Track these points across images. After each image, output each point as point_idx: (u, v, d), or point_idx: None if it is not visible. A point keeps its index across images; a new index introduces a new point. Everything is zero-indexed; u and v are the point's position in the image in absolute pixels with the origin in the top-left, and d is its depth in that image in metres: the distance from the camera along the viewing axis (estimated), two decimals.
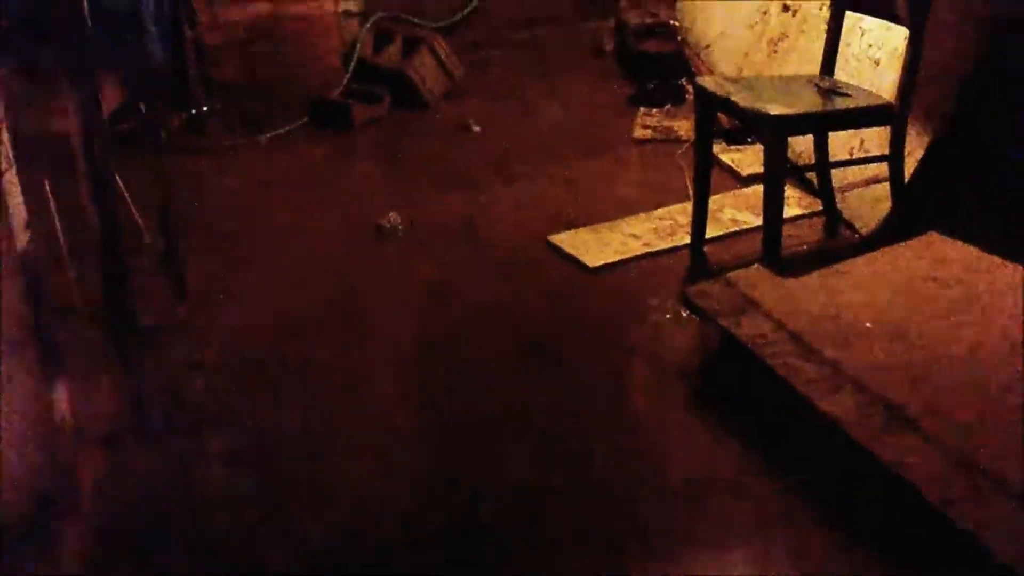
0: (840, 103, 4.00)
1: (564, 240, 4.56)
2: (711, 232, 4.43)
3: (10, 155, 2.85)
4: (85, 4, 3.14)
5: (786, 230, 4.06)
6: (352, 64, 6.52)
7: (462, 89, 6.56)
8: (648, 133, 5.77)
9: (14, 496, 2.82)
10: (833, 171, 4.45)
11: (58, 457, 3.03)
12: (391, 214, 4.80)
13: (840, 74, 4.33)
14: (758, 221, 4.33)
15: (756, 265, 3.83)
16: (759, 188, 4.29)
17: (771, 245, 3.95)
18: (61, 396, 3.09)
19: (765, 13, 5.71)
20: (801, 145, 4.76)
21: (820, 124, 4.18)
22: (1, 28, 2.94)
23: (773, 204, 3.93)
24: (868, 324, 3.37)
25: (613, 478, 3.18)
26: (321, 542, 2.98)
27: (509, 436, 3.39)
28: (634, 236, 4.57)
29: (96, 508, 3.12)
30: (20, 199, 2.93)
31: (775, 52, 5.47)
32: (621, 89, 6.40)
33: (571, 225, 4.70)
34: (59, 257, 4.00)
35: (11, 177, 2.86)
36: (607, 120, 6.01)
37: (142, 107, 4.58)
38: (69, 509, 3.03)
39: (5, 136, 2.83)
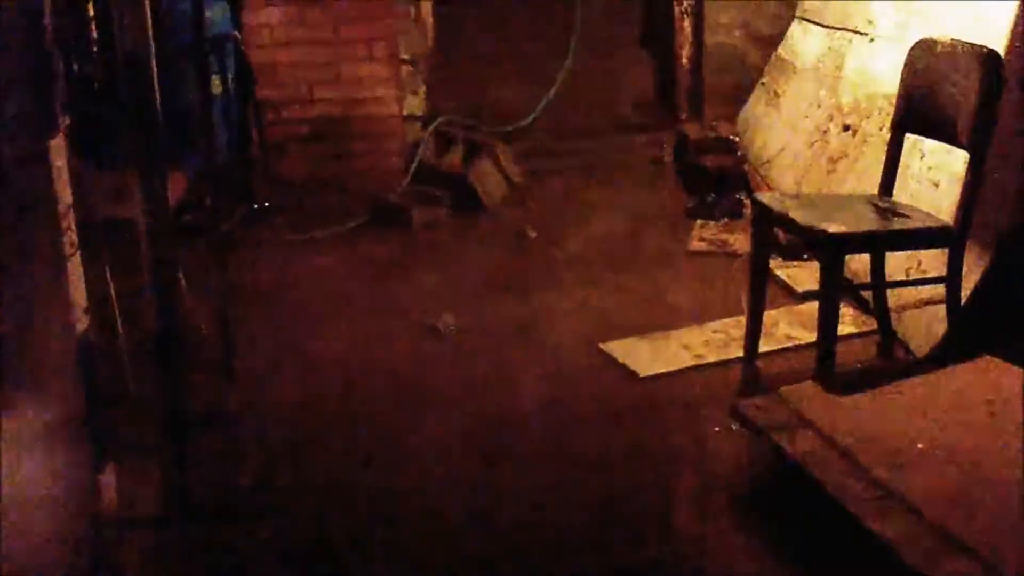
0: (898, 224, 4.00)
1: (616, 348, 4.56)
2: (764, 347, 4.41)
3: (75, 241, 2.89)
4: (158, 102, 3.21)
5: (840, 348, 4.03)
6: (413, 166, 6.60)
7: (521, 195, 6.62)
8: (704, 245, 5.78)
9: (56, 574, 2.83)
10: (889, 291, 4.43)
11: (102, 542, 3.03)
12: (445, 315, 4.82)
13: (899, 195, 4.33)
14: (812, 338, 4.31)
15: (809, 382, 3.80)
16: (814, 305, 4.27)
17: (825, 362, 3.92)
18: (109, 482, 3.11)
19: (825, 132, 5.73)
20: (857, 263, 4.75)
21: (877, 244, 4.17)
22: (72, 121, 3.00)
23: (828, 322, 3.91)
24: (921, 446, 3.33)
25: None
26: None
27: (553, 541, 3.37)
28: (687, 347, 4.57)
29: None
30: (82, 285, 2.97)
31: (834, 171, 5.48)
32: (679, 201, 6.42)
33: (624, 333, 4.69)
34: (115, 343, 4.05)
35: (75, 263, 2.91)
36: (664, 231, 6.03)
37: (206, 199, 4.65)
38: None
39: (72, 222, 2.87)
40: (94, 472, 2.99)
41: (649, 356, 4.49)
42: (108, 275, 4.05)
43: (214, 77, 5.01)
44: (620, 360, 4.46)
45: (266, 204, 6.14)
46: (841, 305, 3.99)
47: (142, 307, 3.42)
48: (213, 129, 4.27)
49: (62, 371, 2.84)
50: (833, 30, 6.10)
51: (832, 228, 3.83)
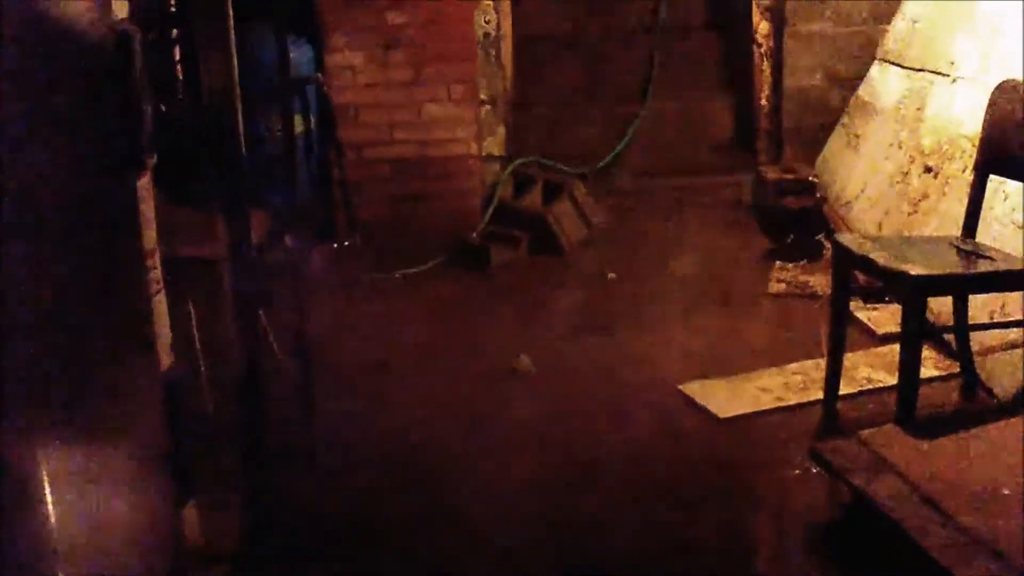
0: (982, 266, 3.96)
1: (695, 390, 4.55)
2: (844, 389, 4.37)
3: (160, 278, 2.94)
4: (242, 142, 3.26)
5: (922, 391, 3.99)
6: (492, 207, 6.63)
7: (599, 236, 6.62)
8: (783, 287, 5.75)
9: None
10: (972, 334, 4.38)
11: (185, 573, 3.06)
12: (522, 356, 4.83)
13: (982, 237, 4.29)
14: (893, 380, 4.26)
15: (890, 425, 3.77)
16: (895, 347, 4.23)
17: (906, 405, 3.88)
18: (191, 517, 3.14)
19: (907, 173, 5.69)
20: (939, 305, 4.70)
21: (960, 286, 4.13)
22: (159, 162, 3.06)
23: (910, 364, 3.88)
24: (1006, 491, 3.28)
25: None
26: None
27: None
28: (765, 389, 4.54)
29: None
30: (167, 322, 3.01)
31: (915, 212, 5.44)
32: (758, 242, 6.39)
33: (703, 375, 4.68)
34: (199, 381, 4.10)
35: (160, 300, 2.95)
36: (742, 272, 6.01)
37: (287, 238, 4.71)
38: None
39: (157, 261, 2.92)
40: (178, 507, 3.02)
41: (728, 398, 4.48)
42: (191, 312, 4.11)
43: (297, 117, 5.07)
44: (699, 401, 4.45)
45: (346, 243, 6.19)
46: (923, 348, 3.95)
47: (224, 344, 3.46)
48: (295, 169, 4.32)
49: (148, 407, 2.88)
50: (914, 71, 6.06)
51: (914, 270, 3.80)
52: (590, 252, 6.44)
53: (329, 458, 4.09)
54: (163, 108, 4.22)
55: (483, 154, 6.73)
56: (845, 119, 6.79)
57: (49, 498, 2.66)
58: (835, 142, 6.83)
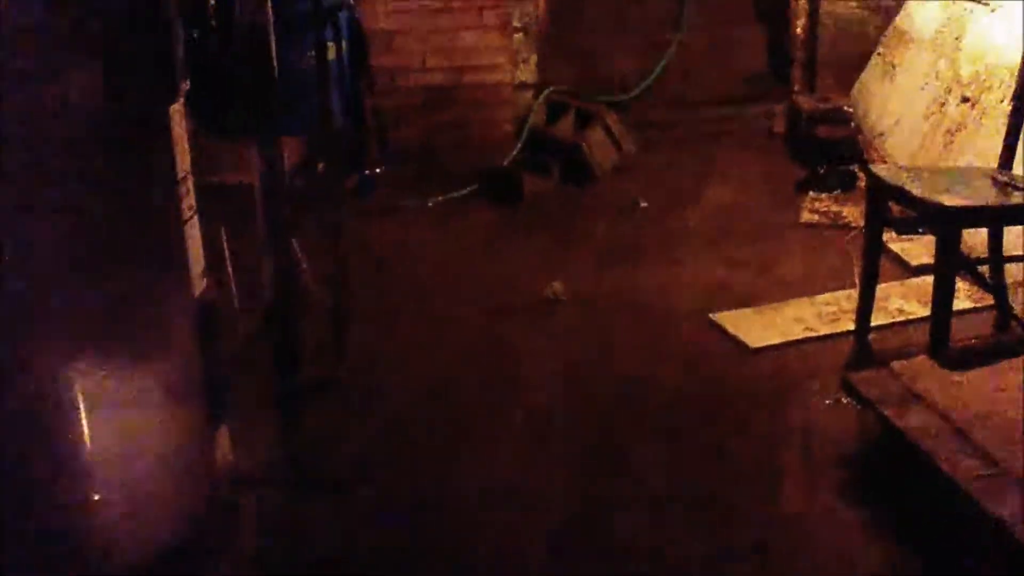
0: (1017, 198, 3.92)
1: (727, 319, 4.54)
2: (876, 320, 4.36)
3: (193, 205, 2.95)
4: (275, 69, 3.25)
5: (954, 323, 3.97)
6: (524, 135, 6.61)
7: (631, 165, 6.59)
8: (816, 218, 5.72)
9: (174, 530, 2.89)
10: (1006, 266, 4.35)
11: (218, 496, 3.10)
12: (555, 284, 4.83)
13: (1019, 169, 4.25)
14: (925, 312, 4.25)
15: (922, 356, 3.75)
16: (928, 279, 4.21)
17: (938, 337, 3.87)
18: (224, 438, 3.17)
19: (943, 104, 5.64)
20: (974, 237, 4.67)
21: (996, 218, 4.10)
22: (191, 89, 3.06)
23: (943, 296, 3.86)
24: None
25: (760, 563, 3.15)
26: None
27: (657, 515, 3.38)
28: (797, 320, 4.53)
29: (248, 550, 3.19)
30: (200, 248, 3.03)
31: (951, 143, 5.39)
32: (790, 173, 6.35)
33: (735, 305, 4.68)
34: (231, 307, 4.12)
35: (193, 226, 2.96)
36: (775, 203, 5.98)
37: (319, 166, 4.70)
38: (226, 546, 3.10)
39: (190, 187, 2.93)
40: (209, 431, 3.06)
41: (759, 328, 4.47)
42: (224, 239, 4.13)
43: (329, 44, 5.03)
44: (730, 331, 4.45)
45: (378, 171, 6.18)
46: (956, 279, 3.93)
47: (257, 271, 3.47)
48: (328, 96, 4.31)
49: (180, 332, 2.90)
50: (952, 0, 5.98)
51: (949, 201, 3.78)
52: (622, 180, 6.41)
53: (359, 385, 4.11)
54: (195, 35, 4.22)
55: (516, 82, 6.69)
56: (881, 48, 6.72)
57: (84, 421, 2.69)
58: (871, 71, 6.76)
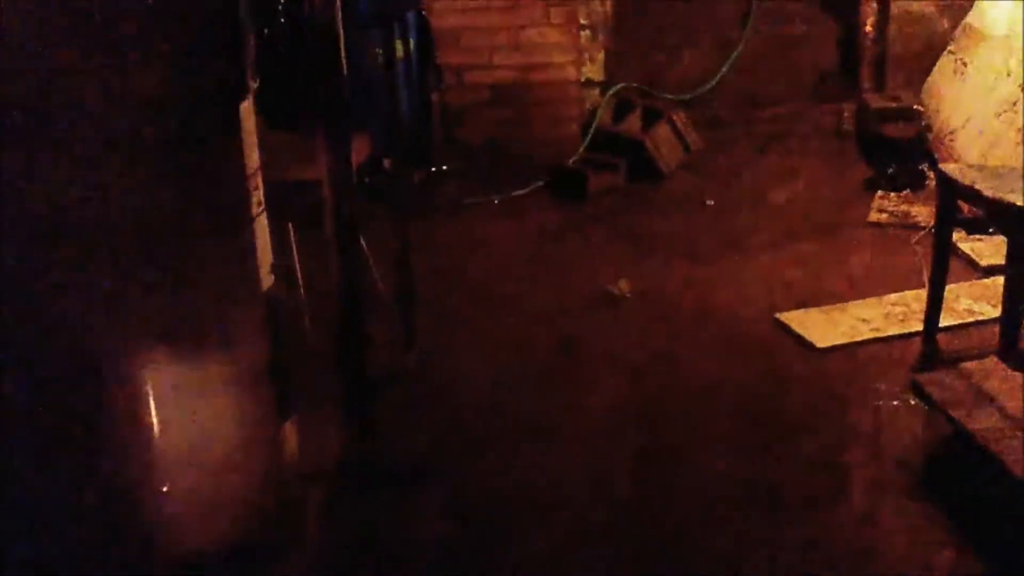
0: None
1: (793, 319, 4.52)
2: (945, 321, 4.32)
3: (262, 201, 2.97)
4: (344, 67, 3.27)
5: None
6: (590, 132, 6.60)
7: (699, 163, 6.56)
8: (884, 217, 5.68)
9: (243, 524, 2.92)
10: None
11: (285, 489, 3.12)
12: (621, 282, 4.83)
13: None
14: (995, 313, 4.21)
15: (992, 357, 3.72)
16: (998, 280, 4.18)
17: (1009, 338, 3.84)
18: (291, 432, 3.19)
19: (1015, 103, 5.57)
20: None
21: None
22: (261, 87, 3.08)
23: (1013, 296, 3.82)
24: None
25: (828, 563, 3.13)
26: None
27: (722, 510, 3.37)
28: (865, 320, 4.51)
29: (316, 545, 3.21)
30: (268, 244, 3.05)
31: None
32: (859, 172, 6.30)
33: (800, 304, 4.65)
34: (299, 301, 4.15)
35: (261, 222, 2.99)
36: (842, 202, 5.93)
37: (387, 162, 4.72)
38: (292, 539, 3.12)
39: (259, 183, 2.95)
40: (277, 424, 3.08)
41: (826, 327, 4.45)
42: (293, 235, 4.16)
43: (397, 41, 5.06)
44: (796, 331, 4.43)
45: (445, 168, 6.21)
46: None
47: (325, 267, 3.50)
48: (396, 93, 4.33)
49: (249, 326, 2.93)
50: None
51: (1021, 201, 3.74)
52: (689, 179, 6.39)
53: (427, 380, 4.14)
54: (265, 32, 4.25)
55: (582, 79, 6.69)
56: (952, 46, 6.65)
57: (154, 413, 2.73)
58: (941, 70, 6.69)
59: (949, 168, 4.24)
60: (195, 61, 2.65)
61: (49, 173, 2.56)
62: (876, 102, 6.59)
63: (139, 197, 2.62)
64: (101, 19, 2.48)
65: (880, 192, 5.98)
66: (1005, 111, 5.64)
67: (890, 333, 4.40)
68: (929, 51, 6.82)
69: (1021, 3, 5.88)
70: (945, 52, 6.71)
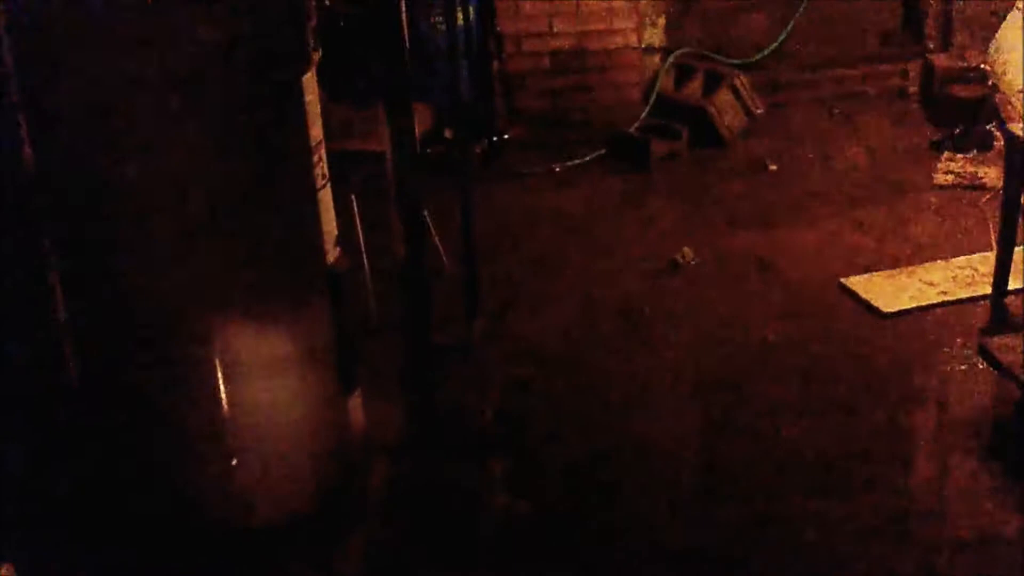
0: None
1: (859, 284, 4.49)
2: (1014, 284, 4.27)
3: (326, 173, 2.99)
4: (406, 38, 3.27)
5: None
6: (652, 99, 6.57)
7: (761, 127, 6.51)
8: (951, 179, 5.61)
9: (309, 494, 2.96)
10: None
11: (350, 462, 3.15)
12: (685, 249, 4.82)
13: None
14: None
15: None
16: None
17: None
18: (356, 405, 3.22)
19: None
20: None
21: None
22: (323, 59, 3.09)
23: None
24: None
25: (898, 522, 3.13)
26: (591, 567, 3.02)
27: (791, 480, 3.36)
28: (931, 283, 4.46)
29: (380, 516, 3.24)
30: (332, 216, 3.07)
31: None
32: (925, 133, 6.23)
33: (866, 269, 4.61)
34: (363, 272, 4.17)
35: (325, 194, 3.01)
36: (908, 164, 5.87)
37: (449, 133, 4.73)
38: (357, 512, 3.15)
39: (323, 155, 2.97)
40: (343, 397, 3.10)
41: (893, 292, 4.41)
42: (356, 207, 4.18)
43: (458, 10, 5.06)
44: (863, 296, 4.39)
45: (506, 137, 6.20)
46: None
47: (389, 238, 3.51)
48: (457, 62, 4.33)
49: (313, 299, 2.95)
50: None
51: None
52: (752, 143, 6.34)
53: (492, 350, 4.14)
54: (327, 3, 4.27)
55: (643, 45, 6.65)
56: (1021, 1, 6.55)
57: (223, 387, 2.76)
58: (1009, 27, 6.57)
59: (1017, 128, 4.19)
60: (256, 33, 2.67)
61: (120, 140, 2.59)
62: (941, 62, 6.51)
63: (206, 170, 2.65)
64: None
65: (947, 153, 5.91)
66: None
67: (958, 297, 4.35)
68: (996, 8, 6.71)
69: None
70: (1014, 8, 6.60)
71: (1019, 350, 3.49)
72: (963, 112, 6.17)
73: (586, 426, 3.71)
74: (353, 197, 4.16)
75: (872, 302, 4.34)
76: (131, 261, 2.67)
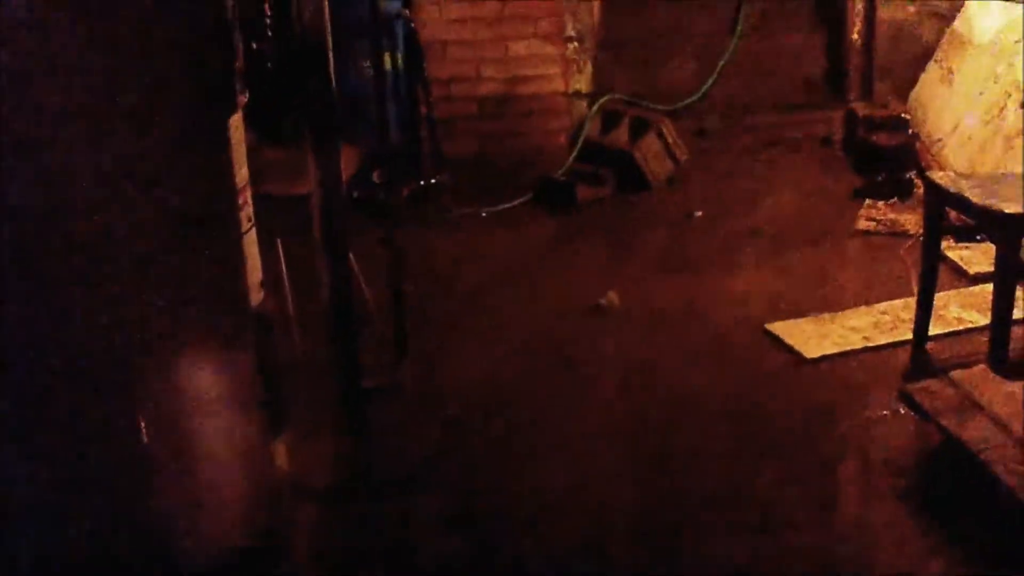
0: None
1: (782, 329, 4.52)
2: (935, 329, 4.33)
3: (252, 216, 2.97)
4: (333, 80, 3.27)
5: (1014, 332, 3.95)
6: (578, 144, 6.60)
7: (687, 173, 6.56)
8: (873, 226, 5.68)
9: (235, 537, 2.92)
10: None
11: (275, 509, 3.12)
12: (609, 293, 4.83)
13: None
14: (985, 321, 4.22)
15: (982, 366, 3.73)
16: (987, 287, 4.18)
17: (998, 346, 3.84)
18: (283, 449, 3.19)
19: (1002, 109, 5.59)
20: None
21: None
22: (250, 100, 3.08)
23: (1002, 305, 3.83)
24: None
25: (823, 564, 3.14)
26: None
27: (715, 522, 3.37)
28: (854, 329, 4.51)
29: (308, 561, 3.21)
30: (257, 259, 3.05)
31: (1011, 149, 5.34)
32: (847, 180, 6.30)
33: (790, 314, 4.65)
34: (288, 316, 4.15)
35: (251, 237, 2.99)
36: (831, 211, 5.93)
37: (377, 176, 4.72)
38: (287, 554, 3.12)
39: (248, 198, 2.95)
40: (269, 440, 3.07)
41: (816, 337, 4.45)
42: (281, 250, 4.15)
43: (385, 54, 5.07)
44: (786, 341, 4.43)
45: (433, 181, 6.21)
46: (1016, 288, 3.89)
47: (314, 281, 3.49)
48: (385, 105, 4.33)
49: (239, 342, 2.92)
50: (1012, 2, 5.92)
51: (1009, 208, 3.75)
52: (677, 190, 6.39)
53: (419, 392, 4.13)
54: (254, 46, 4.25)
55: (570, 91, 6.69)
56: (939, 53, 6.67)
57: (144, 431, 2.72)
58: (928, 77, 6.71)
59: (937, 176, 4.25)
60: (182, 74, 2.65)
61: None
62: (864, 110, 6.60)
63: (127, 216, 2.62)
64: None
65: (868, 200, 5.98)
66: (992, 118, 5.65)
67: (880, 342, 4.40)
68: (916, 59, 6.84)
69: (1007, 7, 5.91)
70: (932, 60, 6.73)
71: (940, 394, 3.53)
72: (885, 160, 6.25)
73: (515, 468, 3.70)
74: (279, 240, 4.14)
75: (796, 347, 4.38)
76: (51, 303, 2.63)
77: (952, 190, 3.99)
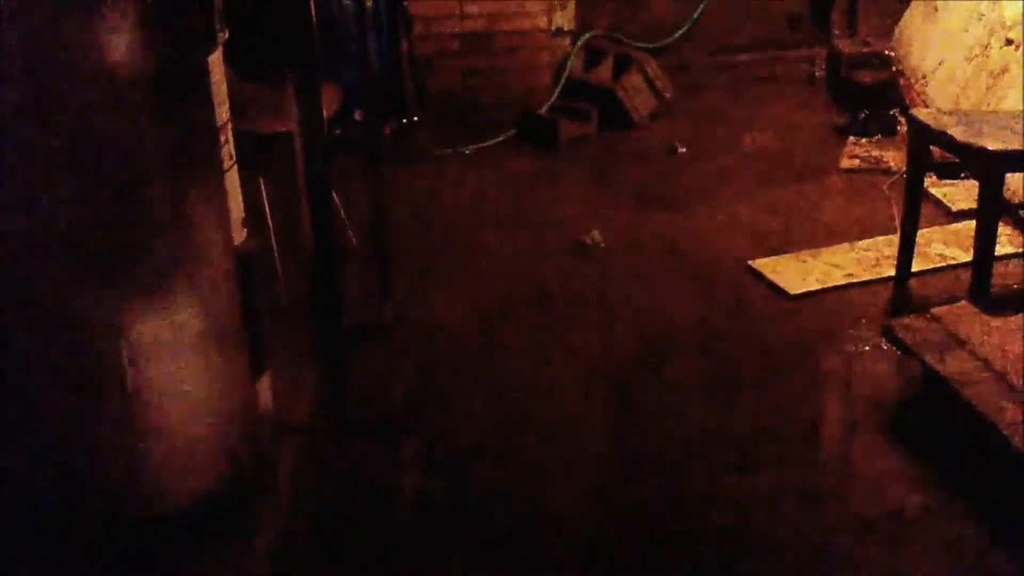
0: None
1: (765, 265, 4.53)
2: (917, 266, 4.34)
3: (233, 154, 2.96)
4: (314, 17, 3.24)
5: (996, 268, 3.96)
6: (562, 81, 6.58)
7: (670, 110, 6.55)
8: (856, 163, 5.68)
9: (217, 476, 2.92)
10: None
11: (259, 445, 3.12)
12: (594, 231, 4.83)
13: None
14: (967, 257, 4.23)
15: (963, 302, 3.74)
16: (969, 224, 4.19)
17: (980, 282, 3.85)
18: (265, 388, 3.19)
19: (986, 46, 5.57)
20: (1016, 182, 4.63)
21: None
22: (230, 38, 3.05)
23: (984, 241, 3.84)
24: None
25: (806, 497, 3.17)
26: (505, 548, 3.02)
27: (699, 461, 3.39)
28: (837, 266, 4.52)
29: (289, 498, 3.21)
30: (239, 197, 3.04)
31: (995, 87, 5.33)
32: (831, 118, 6.31)
33: (773, 251, 4.66)
34: (271, 255, 4.14)
35: (232, 176, 2.97)
36: (815, 148, 5.94)
37: (357, 113, 4.69)
38: (268, 493, 3.12)
39: (229, 136, 2.93)
40: (252, 379, 3.07)
41: (799, 274, 4.46)
42: (263, 188, 4.14)
43: None
44: (769, 277, 4.44)
45: (416, 119, 6.18)
46: (998, 224, 3.90)
47: (297, 220, 3.48)
48: (366, 42, 4.30)
49: (220, 281, 2.92)
50: None
51: (992, 145, 3.75)
52: (661, 126, 6.38)
53: (403, 331, 4.14)
54: None
55: (553, 27, 6.66)
56: None
57: (129, 372, 2.72)
58: (913, 14, 6.69)
59: (920, 113, 4.25)
60: (160, 13, 2.62)
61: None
62: (847, 48, 6.58)
63: (109, 150, 2.60)
64: None
65: (852, 138, 5.99)
66: (976, 55, 5.64)
67: (863, 279, 4.41)
68: None
69: None
70: None
71: (921, 330, 3.55)
72: (868, 97, 6.25)
73: (497, 407, 3.70)
74: (261, 179, 4.12)
75: (779, 283, 4.39)
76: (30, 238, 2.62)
77: (935, 127, 3.99)
